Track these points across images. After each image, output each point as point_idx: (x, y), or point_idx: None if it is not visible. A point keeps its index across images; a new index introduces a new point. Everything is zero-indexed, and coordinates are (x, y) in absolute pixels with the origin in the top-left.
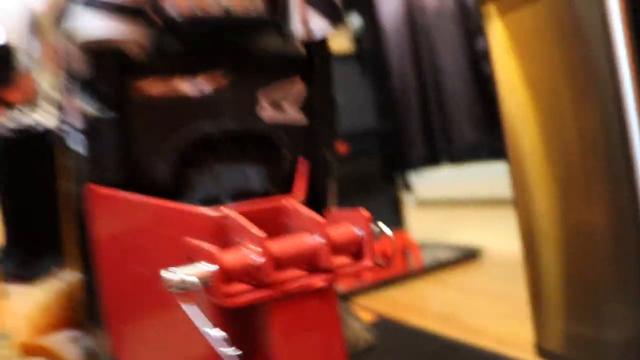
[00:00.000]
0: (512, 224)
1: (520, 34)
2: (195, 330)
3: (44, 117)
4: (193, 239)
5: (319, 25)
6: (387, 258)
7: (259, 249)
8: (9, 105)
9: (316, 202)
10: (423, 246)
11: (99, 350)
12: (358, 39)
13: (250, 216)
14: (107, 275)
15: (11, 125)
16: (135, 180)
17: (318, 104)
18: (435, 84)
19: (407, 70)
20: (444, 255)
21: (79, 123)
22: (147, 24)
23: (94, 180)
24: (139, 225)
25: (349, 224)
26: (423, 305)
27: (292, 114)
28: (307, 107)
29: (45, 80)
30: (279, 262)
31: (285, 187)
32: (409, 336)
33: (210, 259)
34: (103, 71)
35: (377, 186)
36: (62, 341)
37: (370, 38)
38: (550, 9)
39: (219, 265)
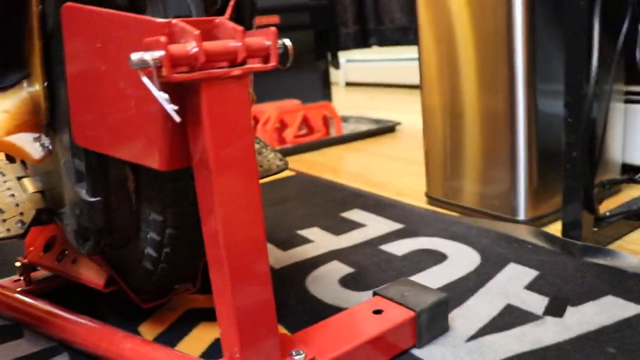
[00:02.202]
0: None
1: None
2: (141, 105)
3: None
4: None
5: None
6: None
7: (194, 43)
8: None
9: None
10: (346, 119)
11: (54, 148)
12: None
13: (190, 25)
14: (73, 79)
15: None
16: (99, 3)
17: None
18: None
19: None
20: (364, 127)
21: None
22: None
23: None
24: (105, 34)
25: (262, 36)
26: (337, 166)
27: None
28: None
29: None
30: (209, 57)
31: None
32: (321, 186)
33: (160, 47)
34: None
35: (307, 61)
36: (26, 139)
37: None
38: None
39: (166, 51)
